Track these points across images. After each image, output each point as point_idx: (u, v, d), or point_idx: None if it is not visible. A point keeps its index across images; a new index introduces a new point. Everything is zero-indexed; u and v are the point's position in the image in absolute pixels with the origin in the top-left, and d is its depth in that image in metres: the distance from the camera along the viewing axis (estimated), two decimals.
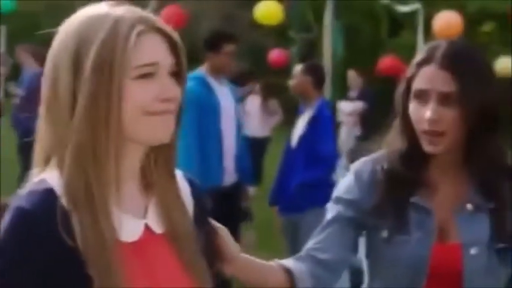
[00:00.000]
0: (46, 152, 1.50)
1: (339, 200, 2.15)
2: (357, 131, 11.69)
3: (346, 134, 11.73)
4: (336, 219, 2.13)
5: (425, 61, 2.04)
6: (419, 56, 2.07)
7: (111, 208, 1.45)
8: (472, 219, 2.06)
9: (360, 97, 12.30)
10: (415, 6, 12.21)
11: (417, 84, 2.04)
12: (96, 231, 1.42)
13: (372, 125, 11.70)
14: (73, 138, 1.43)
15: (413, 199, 2.08)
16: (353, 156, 4.59)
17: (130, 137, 1.47)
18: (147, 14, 1.49)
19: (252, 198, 6.05)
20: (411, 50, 9.44)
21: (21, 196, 1.45)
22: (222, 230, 1.82)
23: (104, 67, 1.42)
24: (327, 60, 10.07)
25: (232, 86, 5.93)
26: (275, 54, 15.21)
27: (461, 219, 2.06)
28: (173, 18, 9.28)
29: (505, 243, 2.04)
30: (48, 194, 1.44)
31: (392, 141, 2.12)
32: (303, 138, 5.86)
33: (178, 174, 1.64)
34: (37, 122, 1.51)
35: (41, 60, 8.66)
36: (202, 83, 5.58)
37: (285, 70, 12.69)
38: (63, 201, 1.43)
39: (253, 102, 11.22)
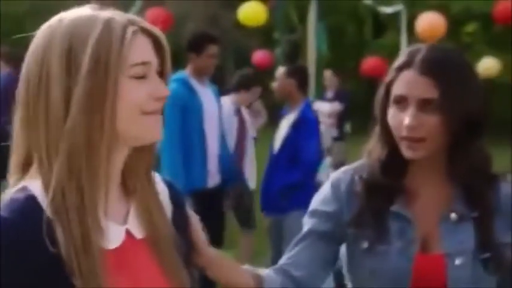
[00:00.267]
0: (24, 157, 1.47)
1: (314, 213, 2.09)
2: (334, 132, 11.69)
3: (324, 135, 11.73)
4: (309, 234, 2.07)
5: (405, 66, 1.97)
6: (398, 61, 2.00)
7: (100, 214, 1.44)
8: (456, 229, 1.98)
9: (336, 98, 12.28)
10: (398, 7, 12.25)
11: (396, 90, 1.97)
12: (85, 238, 1.40)
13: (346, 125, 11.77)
14: (66, 140, 1.40)
15: (393, 208, 2.01)
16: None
17: (123, 137, 1.46)
18: (133, 16, 1.50)
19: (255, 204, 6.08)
20: (395, 51, 9.47)
21: (2, 205, 1.42)
22: (195, 220, 1.78)
23: (100, 65, 1.41)
24: (311, 61, 10.09)
25: (215, 88, 5.93)
26: (259, 56, 15.21)
27: (445, 228, 1.99)
28: (157, 20, 9.27)
29: (489, 252, 1.97)
30: (30, 202, 1.42)
31: (372, 149, 2.05)
32: (287, 141, 5.85)
33: (157, 177, 1.63)
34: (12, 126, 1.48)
35: (14, 61, 8.53)
36: (185, 84, 5.58)
37: (269, 71, 12.70)
38: (46, 208, 1.41)
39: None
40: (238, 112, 7.13)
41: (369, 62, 14.03)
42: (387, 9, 13.26)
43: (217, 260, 1.89)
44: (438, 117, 1.93)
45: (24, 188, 1.45)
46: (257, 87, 7.39)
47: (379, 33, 21.46)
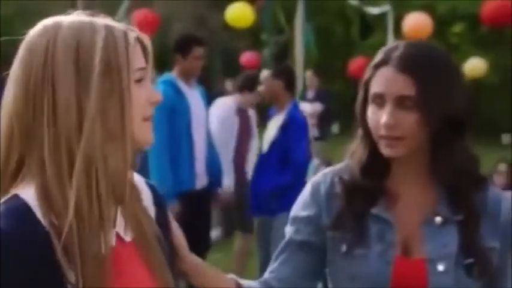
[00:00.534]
0: (16, 163, 1.44)
1: (294, 220, 2.04)
2: (315, 132, 11.70)
3: None
4: (288, 245, 2.03)
5: (382, 63, 1.91)
6: (376, 58, 1.94)
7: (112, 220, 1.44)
8: (440, 232, 1.91)
9: (316, 98, 12.28)
10: (385, 7, 12.29)
11: (374, 88, 1.91)
12: (95, 243, 1.39)
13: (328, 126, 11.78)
14: (82, 146, 1.39)
15: (373, 210, 1.93)
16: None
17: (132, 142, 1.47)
18: (123, 23, 1.52)
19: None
20: None
21: None
22: (175, 226, 1.78)
23: (112, 69, 1.42)
24: (299, 62, 10.09)
25: (202, 89, 5.92)
26: (247, 57, 15.22)
27: (428, 231, 1.91)
28: (144, 22, 9.26)
29: (473, 257, 1.89)
30: (25, 211, 1.39)
31: (355, 150, 1.99)
32: (276, 143, 5.83)
33: (140, 180, 1.63)
34: None
35: None
36: (172, 86, 5.58)
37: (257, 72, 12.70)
38: (41, 216, 1.38)
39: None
40: (240, 112, 7.12)
41: (357, 62, 14.07)
42: (374, 10, 13.29)
43: (200, 267, 1.88)
44: (416, 115, 1.86)
45: (15, 197, 1.42)
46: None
47: (366, 33, 21.50)
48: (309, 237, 2.00)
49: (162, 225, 1.65)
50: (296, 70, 7.67)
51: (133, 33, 1.49)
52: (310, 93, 12.41)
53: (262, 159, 6.00)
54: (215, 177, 5.89)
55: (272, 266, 2.05)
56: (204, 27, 18.82)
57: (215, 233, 7.09)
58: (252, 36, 18.86)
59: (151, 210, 1.63)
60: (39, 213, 1.39)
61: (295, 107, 6.07)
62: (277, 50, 15.55)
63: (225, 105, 7.23)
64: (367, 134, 1.94)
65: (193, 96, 5.71)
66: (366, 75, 1.95)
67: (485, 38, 20.07)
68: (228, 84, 12.57)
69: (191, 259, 1.84)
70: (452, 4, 20.28)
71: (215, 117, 6.90)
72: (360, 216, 1.93)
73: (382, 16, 12.99)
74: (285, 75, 6.03)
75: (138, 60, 1.48)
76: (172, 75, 5.69)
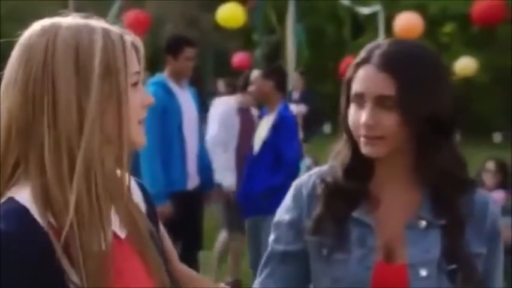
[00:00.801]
0: (12, 165, 1.44)
1: (277, 226, 1.99)
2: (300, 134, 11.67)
3: None
4: (270, 258, 2.00)
5: (363, 61, 1.84)
6: (359, 56, 1.87)
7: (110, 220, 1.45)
8: (423, 237, 1.84)
9: (301, 99, 12.26)
10: (376, 7, 12.29)
11: (354, 87, 1.85)
12: (96, 242, 1.40)
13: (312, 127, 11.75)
14: (83, 148, 1.40)
15: (354, 213, 1.88)
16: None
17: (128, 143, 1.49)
18: (115, 24, 1.53)
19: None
20: None
21: None
22: (163, 230, 1.77)
23: (111, 71, 1.43)
24: (290, 62, 10.09)
25: (194, 90, 5.92)
26: (239, 57, 15.22)
27: (411, 236, 1.85)
28: (136, 23, 9.25)
29: (456, 264, 1.83)
30: (23, 212, 1.39)
31: (339, 151, 1.93)
32: (268, 143, 5.83)
33: (131, 179, 1.64)
34: None
35: None
36: (164, 87, 5.58)
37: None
38: (39, 217, 1.39)
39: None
40: (241, 112, 7.11)
41: (348, 62, 14.02)
42: (365, 10, 13.29)
43: (188, 272, 1.84)
44: (396, 115, 1.80)
45: (11, 199, 1.42)
46: None
47: (358, 33, 21.53)
48: (290, 247, 1.97)
49: (153, 222, 1.66)
50: (288, 70, 7.66)
51: (129, 36, 1.50)
52: (295, 95, 12.39)
53: (254, 159, 6.00)
54: (206, 177, 5.88)
55: (258, 279, 2.02)
56: (196, 28, 18.82)
57: (224, 235, 7.06)
58: (243, 36, 18.88)
59: (142, 207, 1.64)
60: (36, 215, 1.39)
61: (286, 107, 6.06)
62: (269, 50, 15.56)
63: (225, 105, 7.21)
64: (350, 135, 1.89)
65: (185, 97, 5.71)
66: (348, 74, 1.89)
67: (476, 38, 20.13)
68: (220, 85, 12.56)
69: (179, 264, 1.81)
70: (443, 4, 20.33)
71: (216, 117, 6.90)
72: (341, 220, 1.88)
73: (373, 16, 13.00)
74: (276, 76, 6.02)
75: (133, 64, 1.50)
76: (164, 76, 5.70)
